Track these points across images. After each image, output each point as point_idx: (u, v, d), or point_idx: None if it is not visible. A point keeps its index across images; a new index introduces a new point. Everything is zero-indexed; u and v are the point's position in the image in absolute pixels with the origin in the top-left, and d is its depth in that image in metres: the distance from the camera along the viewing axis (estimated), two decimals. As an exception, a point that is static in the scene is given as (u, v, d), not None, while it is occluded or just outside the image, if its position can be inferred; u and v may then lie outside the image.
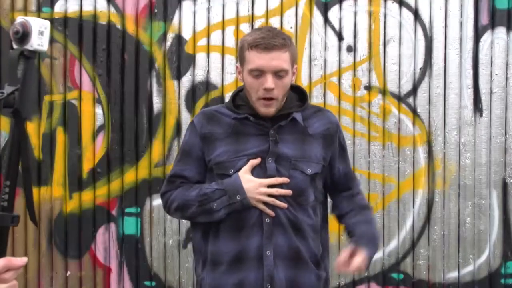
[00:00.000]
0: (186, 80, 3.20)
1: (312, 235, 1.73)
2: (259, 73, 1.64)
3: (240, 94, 1.79)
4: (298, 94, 1.82)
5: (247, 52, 1.65)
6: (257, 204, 1.66)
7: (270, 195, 1.66)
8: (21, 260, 1.00)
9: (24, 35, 1.06)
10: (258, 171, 1.68)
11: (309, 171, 1.70)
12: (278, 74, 1.64)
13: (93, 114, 3.22)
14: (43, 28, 1.08)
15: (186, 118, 3.19)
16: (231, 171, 1.69)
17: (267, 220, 1.67)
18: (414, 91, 3.13)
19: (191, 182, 1.77)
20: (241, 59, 1.70)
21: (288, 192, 1.67)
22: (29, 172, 1.11)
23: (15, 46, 1.08)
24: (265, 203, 1.66)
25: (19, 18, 1.07)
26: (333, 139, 1.76)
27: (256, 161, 1.67)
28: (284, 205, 1.67)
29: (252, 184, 1.65)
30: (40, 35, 1.08)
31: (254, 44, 1.62)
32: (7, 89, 1.05)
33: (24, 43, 1.06)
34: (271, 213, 1.66)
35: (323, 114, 1.80)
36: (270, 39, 1.61)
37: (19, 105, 1.05)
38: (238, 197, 1.65)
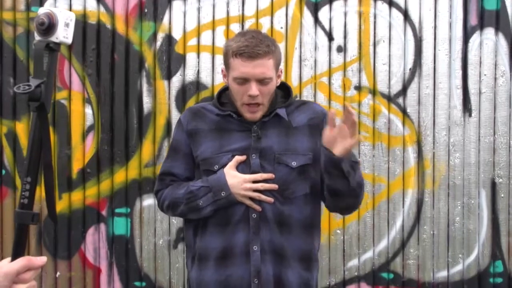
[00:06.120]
0: (176, 80, 3.19)
1: (301, 230, 1.72)
2: (243, 80, 1.65)
3: (226, 92, 1.80)
4: (283, 90, 1.82)
5: (231, 59, 1.66)
6: (243, 200, 1.67)
7: (255, 190, 1.66)
8: (40, 260, 0.99)
9: (50, 27, 1.02)
10: (243, 167, 1.69)
11: (294, 164, 1.70)
12: (263, 81, 1.65)
13: (83, 114, 3.21)
14: (69, 20, 1.05)
15: (176, 118, 3.18)
16: (215, 167, 1.70)
17: (254, 215, 1.68)
18: (403, 91, 3.14)
19: (181, 179, 1.79)
20: (226, 64, 1.71)
21: (273, 186, 1.67)
22: (50, 168, 1.07)
23: (38, 38, 1.04)
24: (252, 199, 1.67)
25: (44, 9, 1.03)
26: (319, 128, 1.73)
27: (242, 157, 1.68)
28: (270, 199, 1.68)
29: (236, 180, 1.66)
30: (66, 27, 1.05)
31: (239, 52, 1.63)
32: (33, 82, 1.01)
33: (49, 35, 1.03)
34: (258, 208, 1.67)
35: (307, 106, 1.80)
36: (254, 47, 1.61)
37: (44, 99, 1.01)
38: (223, 193, 1.66)
